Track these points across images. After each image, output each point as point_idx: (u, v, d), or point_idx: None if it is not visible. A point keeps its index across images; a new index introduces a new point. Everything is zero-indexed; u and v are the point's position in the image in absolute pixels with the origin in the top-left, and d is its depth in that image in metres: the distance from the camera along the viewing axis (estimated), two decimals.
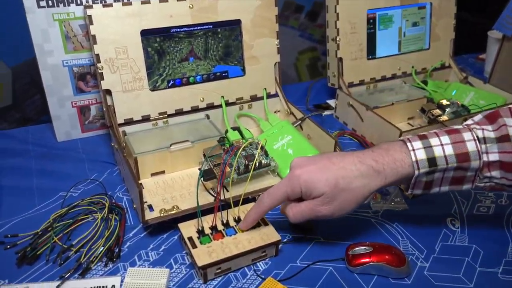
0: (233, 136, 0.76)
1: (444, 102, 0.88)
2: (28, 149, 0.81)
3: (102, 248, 0.59)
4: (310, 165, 0.55)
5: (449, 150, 0.53)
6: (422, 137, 0.55)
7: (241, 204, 0.62)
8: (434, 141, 0.54)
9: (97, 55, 0.72)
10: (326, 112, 0.96)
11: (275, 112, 0.87)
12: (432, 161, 0.53)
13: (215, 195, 0.65)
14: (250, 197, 0.66)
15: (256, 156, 0.69)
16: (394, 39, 0.97)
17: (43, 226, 0.62)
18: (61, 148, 0.82)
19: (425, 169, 0.54)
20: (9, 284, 0.55)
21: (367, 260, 0.57)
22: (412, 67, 0.99)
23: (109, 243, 0.60)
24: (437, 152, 0.53)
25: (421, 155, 0.53)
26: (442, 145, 0.53)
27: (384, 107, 0.87)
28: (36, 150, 0.81)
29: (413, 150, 0.54)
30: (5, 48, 0.93)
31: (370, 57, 0.94)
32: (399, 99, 0.90)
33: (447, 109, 0.86)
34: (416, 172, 0.54)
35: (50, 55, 0.77)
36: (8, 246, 0.60)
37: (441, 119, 0.83)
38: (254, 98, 0.85)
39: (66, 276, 0.55)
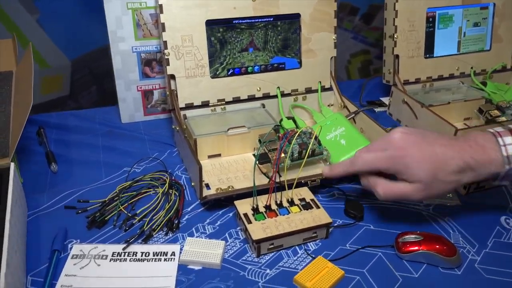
0: (288, 124, 0.81)
1: (504, 104, 0.88)
2: (95, 128, 0.89)
3: (163, 218, 0.65)
4: (413, 148, 0.57)
5: None
6: None
7: (295, 188, 0.66)
8: None
9: (165, 42, 0.78)
10: (379, 109, 0.98)
11: (328, 105, 0.91)
12: None
13: (270, 178, 0.69)
14: (302, 181, 0.69)
15: (310, 144, 0.72)
16: (454, 39, 0.98)
17: (110, 196, 0.69)
18: (125, 129, 0.89)
19: None
20: (80, 243, 0.62)
21: (417, 248, 0.59)
22: (471, 68, 0.99)
23: (169, 214, 0.66)
24: None
25: None
26: None
27: (439, 106, 0.88)
28: (103, 129, 0.88)
29: (504, 145, 0.56)
30: (66, 42, 1.00)
31: (428, 55, 0.96)
32: (456, 99, 0.91)
33: (508, 111, 0.86)
34: (507, 167, 0.56)
35: (122, 41, 0.84)
36: (80, 211, 0.67)
37: (499, 120, 0.83)
38: (308, 91, 0.89)
39: (130, 241, 0.61)
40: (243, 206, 0.64)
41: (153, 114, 0.92)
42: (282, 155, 0.70)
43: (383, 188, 0.59)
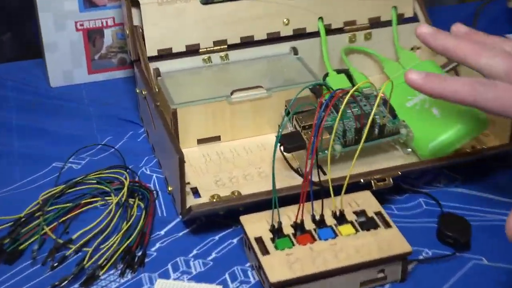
0: (337, 82, 0.79)
1: None
2: (5, 96, 0.90)
3: (117, 248, 0.65)
4: None
5: None
6: None
7: (346, 192, 0.64)
8: None
9: None
10: None
11: (411, 49, 0.89)
12: None
13: (303, 175, 0.68)
14: (362, 180, 0.68)
15: (371, 115, 0.70)
16: None
17: (28, 210, 0.70)
18: (56, 97, 0.90)
19: None
20: None
21: None
22: None
23: (128, 241, 0.66)
24: None
25: None
26: None
27: None
28: (18, 99, 0.90)
29: None
30: None
31: None
32: None
33: None
34: None
35: None
36: None
37: None
38: (375, 23, 0.88)
39: (62, 285, 0.61)
40: (256, 225, 0.63)
41: (104, 71, 0.93)
42: (327, 136, 0.69)
43: None
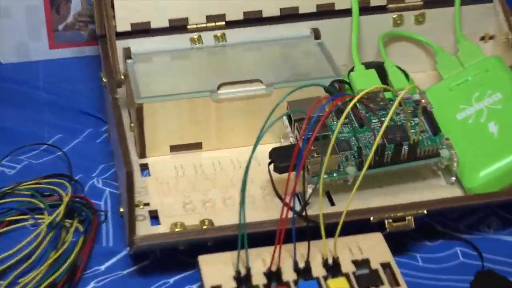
0: (363, 81, 0.79)
1: None
2: None
3: (38, 283, 0.65)
4: None
5: None
6: None
7: (341, 234, 0.62)
8: None
9: None
10: None
11: (481, 39, 0.89)
12: None
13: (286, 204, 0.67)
14: (371, 219, 0.67)
15: (384, 124, 0.69)
16: None
17: None
18: (4, 77, 0.92)
19: None
20: None
21: None
22: None
23: (54, 276, 0.66)
24: None
25: None
26: None
27: None
28: None
29: None
30: None
31: None
32: None
33: None
34: None
35: None
36: None
37: None
38: (430, 2, 0.88)
39: None
40: (217, 269, 0.63)
41: (70, 46, 0.95)
42: (329, 152, 0.67)
43: None
